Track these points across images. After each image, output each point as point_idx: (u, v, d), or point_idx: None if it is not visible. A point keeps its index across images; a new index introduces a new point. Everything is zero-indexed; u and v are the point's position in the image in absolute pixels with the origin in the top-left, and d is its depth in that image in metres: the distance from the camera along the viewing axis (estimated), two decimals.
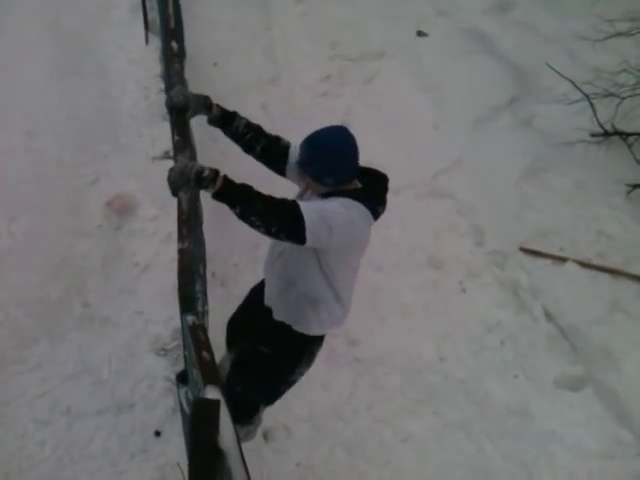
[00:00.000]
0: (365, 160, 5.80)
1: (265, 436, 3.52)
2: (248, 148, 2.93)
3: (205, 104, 2.92)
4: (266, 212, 2.44)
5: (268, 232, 2.47)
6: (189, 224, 2.70)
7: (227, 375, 3.13)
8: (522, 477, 3.55)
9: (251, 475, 1.92)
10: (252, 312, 3.08)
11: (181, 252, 2.58)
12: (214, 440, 1.88)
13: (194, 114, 3.02)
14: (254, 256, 4.36)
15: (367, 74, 6.16)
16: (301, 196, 2.84)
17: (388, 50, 6.35)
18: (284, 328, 2.88)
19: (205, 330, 2.38)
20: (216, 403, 1.90)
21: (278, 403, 3.54)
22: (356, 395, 3.81)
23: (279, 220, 2.45)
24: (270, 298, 2.93)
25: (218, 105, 2.95)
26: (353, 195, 2.61)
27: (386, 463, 3.54)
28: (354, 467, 3.50)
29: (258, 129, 2.92)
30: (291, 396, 3.67)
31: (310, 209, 2.48)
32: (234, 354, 3.23)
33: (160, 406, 3.53)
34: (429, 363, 4.03)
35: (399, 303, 4.35)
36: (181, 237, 2.64)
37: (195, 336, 2.29)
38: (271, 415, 3.50)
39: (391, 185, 5.38)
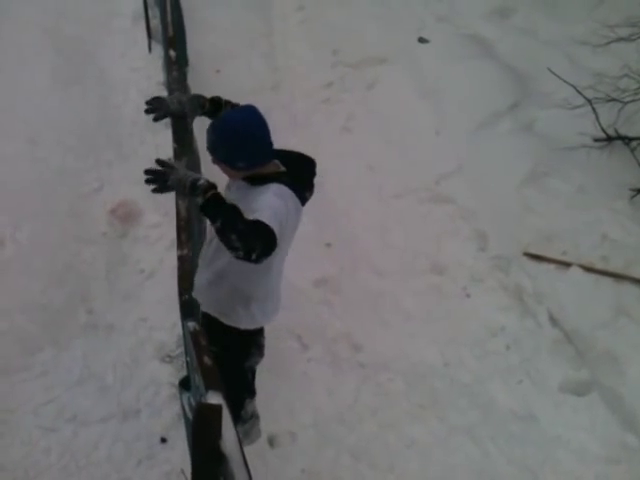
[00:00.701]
0: (367, 166, 5.80)
1: (270, 442, 3.52)
2: None
3: (199, 103, 2.96)
4: (247, 234, 2.31)
5: (247, 256, 2.32)
6: (188, 231, 2.71)
7: None
8: None
9: None
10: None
11: (181, 259, 2.59)
12: (216, 444, 1.89)
13: (193, 116, 3.04)
14: None
15: (368, 80, 6.18)
16: (229, 186, 2.78)
17: (389, 56, 6.37)
18: (217, 324, 2.83)
19: (206, 336, 2.38)
20: (218, 408, 1.91)
21: (282, 409, 3.55)
22: (360, 400, 3.81)
23: (260, 245, 2.32)
24: (198, 289, 2.83)
25: (208, 100, 2.98)
26: (279, 179, 2.56)
27: (391, 468, 3.53)
28: (359, 473, 3.50)
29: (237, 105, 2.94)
30: (295, 402, 3.69)
31: (272, 219, 2.38)
32: None
33: (165, 413, 3.54)
34: (433, 368, 4.03)
35: (402, 308, 4.35)
36: (180, 244, 2.65)
37: (196, 342, 2.29)
38: (276, 421, 3.51)
39: (393, 190, 5.42)
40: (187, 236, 2.71)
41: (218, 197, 2.42)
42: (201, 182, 2.42)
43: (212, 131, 2.62)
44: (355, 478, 3.49)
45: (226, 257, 2.61)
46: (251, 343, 3.01)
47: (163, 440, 3.43)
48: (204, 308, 2.87)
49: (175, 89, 3.87)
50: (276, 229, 2.37)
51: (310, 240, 4.26)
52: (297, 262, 3.03)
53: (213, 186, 2.44)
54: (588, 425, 3.74)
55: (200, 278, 2.85)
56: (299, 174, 2.66)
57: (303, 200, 2.65)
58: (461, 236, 4.85)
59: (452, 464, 3.58)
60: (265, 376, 3.49)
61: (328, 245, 4.72)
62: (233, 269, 2.68)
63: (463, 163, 5.31)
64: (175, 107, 2.98)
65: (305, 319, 4.12)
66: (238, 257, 2.34)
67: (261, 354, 3.09)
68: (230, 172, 2.68)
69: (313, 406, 3.73)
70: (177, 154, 3.09)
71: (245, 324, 2.87)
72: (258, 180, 2.60)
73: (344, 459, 3.54)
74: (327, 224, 4.76)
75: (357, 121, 5.77)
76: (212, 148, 2.64)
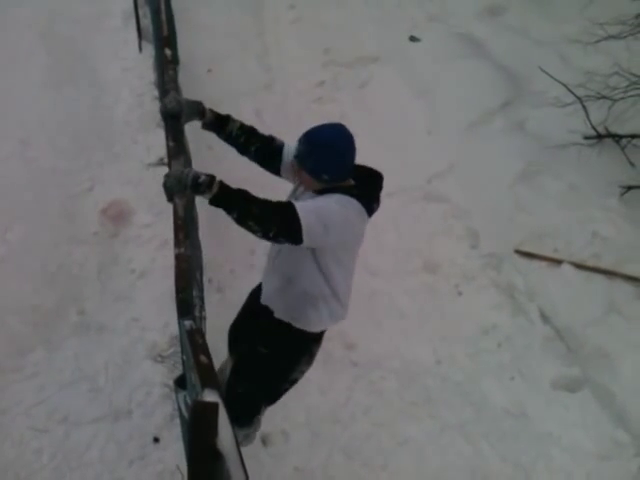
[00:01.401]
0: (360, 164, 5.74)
1: (263, 441, 3.52)
2: (243, 150, 2.96)
3: (198, 109, 2.95)
4: (263, 216, 2.45)
5: (266, 236, 2.48)
6: (185, 229, 2.71)
7: (228, 378, 3.13)
8: (520, 479, 3.55)
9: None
10: (252, 314, 3.08)
11: (178, 257, 2.59)
12: (213, 442, 1.89)
13: (188, 119, 3.04)
14: (250, 262, 4.37)
15: (361, 79, 6.19)
16: (294, 193, 2.85)
17: (382, 55, 6.38)
18: (283, 327, 2.88)
19: (203, 334, 2.38)
20: (214, 406, 1.91)
21: (276, 408, 3.54)
22: (353, 399, 3.81)
23: (276, 224, 2.46)
24: (268, 297, 2.93)
25: (211, 110, 2.97)
26: (348, 192, 2.63)
27: (384, 467, 3.54)
28: (352, 471, 3.50)
29: (252, 131, 2.95)
30: (288, 401, 3.68)
31: (306, 209, 2.50)
32: (235, 357, 3.23)
33: (158, 413, 3.53)
34: (426, 366, 4.03)
35: (395, 307, 4.36)
36: (177, 242, 2.65)
37: (193, 340, 2.29)
38: (269, 420, 3.50)
39: (385, 189, 5.39)
40: (184, 235, 2.71)
41: (225, 187, 2.46)
42: (202, 178, 2.45)
43: (305, 141, 2.66)
44: (348, 476, 3.49)
45: (291, 262, 2.73)
46: (308, 350, 3.02)
47: (156, 440, 3.42)
48: (276, 314, 2.90)
49: (171, 88, 3.84)
50: (305, 218, 2.44)
51: None
52: None
53: (214, 177, 2.48)
54: (580, 422, 3.76)
55: (269, 285, 2.91)
56: (367, 187, 2.73)
57: (370, 212, 2.71)
58: (453, 235, 4.86)
59: (445, 462, 3.59)
60: None
61: None
62: (298, 273, 2.74)
63: (455, 162, 5.33)
64: (172, 106, 2.98)
65: None
66: (258, 237, 2.48)
67: (309, 363, 3.10)
68: (311, 182, 2.71)
69: (306, 405, 3.73)
70: (174, 153, 3.08)
71: (314, 326, 2.90)
72: (328, 191, 2.66)
73: (337, 457, 3.55)
74: None
75: (349, 120, 5.70)
76: (301, 157, 2.68)
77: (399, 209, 5.03)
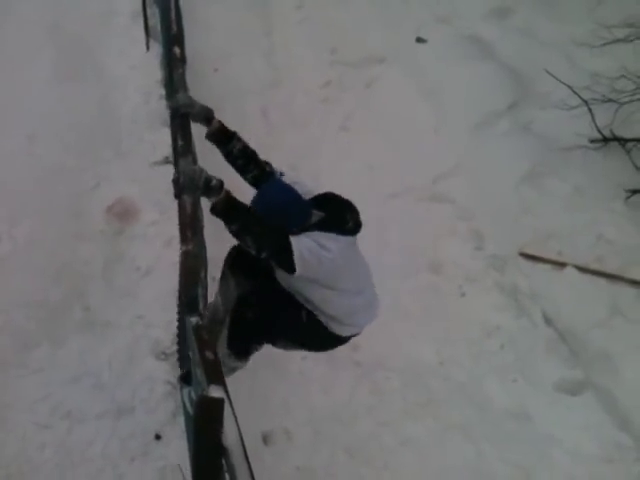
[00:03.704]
0: (365, 165, 5.80)
1: (265, 440, 3.53)
2: (240, 172, 2.96)
3: (207, 115, 2.95)
4: (260, 236, 2.55)
5: (258, 255, 2.58)
6: (193, 227, 2.73)
7: (240, 296, 3.05)
8: None
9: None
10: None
11: (185, 254, 2.62)
12: (218, 437, 1.90)
13: (194, 121, 3.05)
14: None
15: (367, 80, 6.19)
16: None
17: (388, 56, 6.38)
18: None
19: (208, 331, 2.41)
20: (220, 401, 1.93)
21: (278, 406, 3.56)
22: (356, 398, 3.82)
23: (270, 247, 2.57)
24: None
25: (220, 121, 2.97)
26: (321, 227, 2.69)
27: (386, 466, 3.55)
28: (354, 470, 3.51)
29: (252, 156, 2.94)
30: (291, 399, 3.70)
31: (301, 242, 2.58)
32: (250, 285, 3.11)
33: (160, 410, 3.54)
34: (429, 367, 4.04)
35: (399, 307, 4.35)
36: (185, 239, 2.68)
37: (199, 336, 2.32)
38: (271, 418, 3.52)
39: (390, 189, 5.42)
40: (192, 232, 2.73)
41: (231, 198, 2.52)
42: (214, 183, 2.51)
43: (261, 211, 2.69)
44: (350, 476, 3.50)
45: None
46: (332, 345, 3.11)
47: (158, 437, 3.43)
48: None
49: (180, 87, 3.83)
50: (299, 250, 2.54)
51: None
52: None
53: (222, 183, 2.54)
54: (582, 424, 3.75)
55: None
56: (337, 215, 2.78)
57: (350, 231, 2.77)
58: (458, 235, 4.86)
59: (447, 462, 3.60)
60: (261, 374, 3.51)
61: None
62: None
63: (461, 163, 5.33)
64: (185, 103, 2.99)
65: None
66: (252, 254, 2.58)
67: None
68: None
69: (308, 404, 3.74)
70: (182, 150, 3.10)
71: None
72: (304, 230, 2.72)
73: (339, 457, 3.55)
74: None
75: (355, 120, 5.78)
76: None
77: (404, 209, 5.04)
